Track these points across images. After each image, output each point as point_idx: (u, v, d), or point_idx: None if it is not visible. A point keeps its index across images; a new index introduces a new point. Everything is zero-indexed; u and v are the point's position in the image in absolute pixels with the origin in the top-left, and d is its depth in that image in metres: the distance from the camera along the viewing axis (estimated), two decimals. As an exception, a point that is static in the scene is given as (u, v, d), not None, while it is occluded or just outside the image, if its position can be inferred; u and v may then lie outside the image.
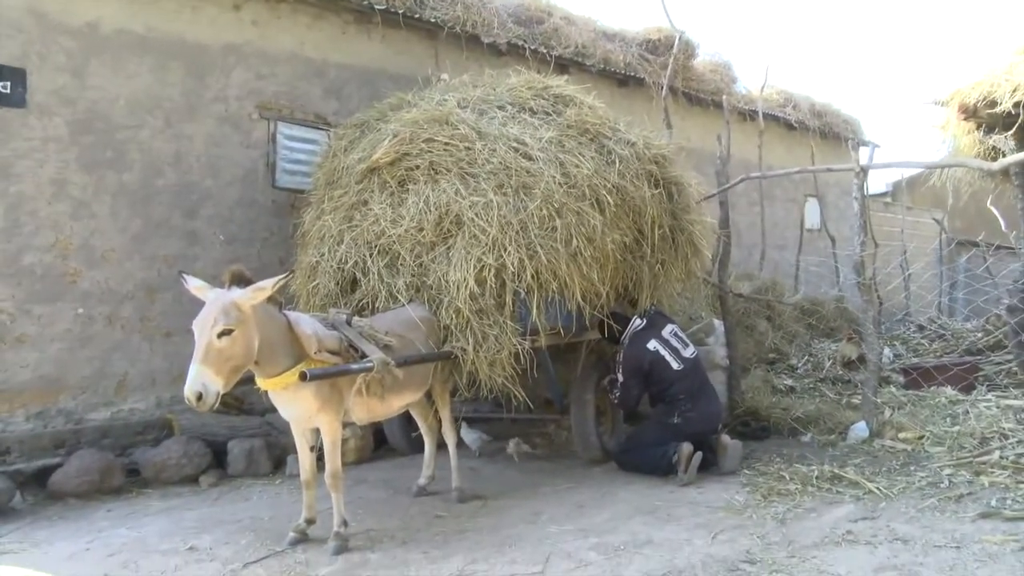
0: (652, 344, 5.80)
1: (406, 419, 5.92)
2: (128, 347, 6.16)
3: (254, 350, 3.87)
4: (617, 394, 5.96)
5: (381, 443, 6.67)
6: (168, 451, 5.78)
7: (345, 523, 4.35)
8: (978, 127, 7.69)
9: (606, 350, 6.40)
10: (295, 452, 4.65)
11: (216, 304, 3.74)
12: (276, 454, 6.10)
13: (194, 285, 3.93)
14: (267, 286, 3.83)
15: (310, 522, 4.48)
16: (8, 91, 5.63)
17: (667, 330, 5.96)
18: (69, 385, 5.88)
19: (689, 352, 5.94)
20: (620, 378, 5.87)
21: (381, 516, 4.89)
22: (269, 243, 6.95)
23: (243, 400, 6.51)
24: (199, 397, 3.62)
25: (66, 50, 5.88)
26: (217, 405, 3.74)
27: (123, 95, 6.16)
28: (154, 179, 6.32)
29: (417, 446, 5.76)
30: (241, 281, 3.86)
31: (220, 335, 3.68)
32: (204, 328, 3.70)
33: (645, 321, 5.95)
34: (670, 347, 5.84)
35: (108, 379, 6.06)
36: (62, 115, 5.87)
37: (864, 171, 6.70)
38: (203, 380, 3.63)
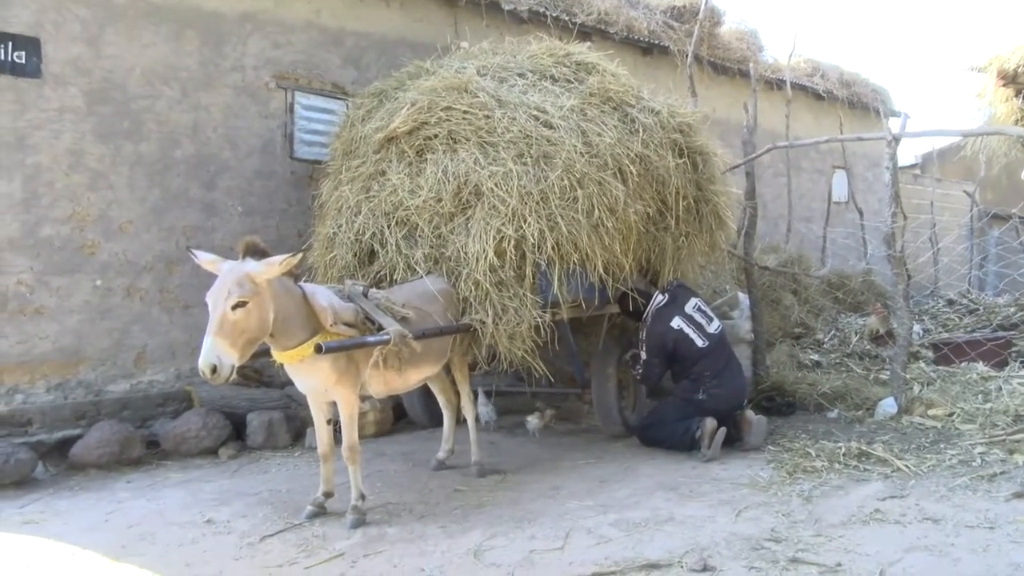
0: (676, 322, 5.67)
1: (426, 392, 5.86)
2: (147, 319, 6.15)
3: (269, 322, 3.81)
4: (640, 370, 5.85)
5: (401, 416, 6.64)
6: (187, 423, 5.77)
7: (363, 497, 4.32)
8: (1017, 94, 7.45)
9: (629, 324, 6.29)
10: (314, 425, 4.62)
11: (230, 276, 3.68)
12: (295, 426, 6.09)
13: (205, 259, 3.88)
14: (275, 263, 3.76)
15: (328, 495, 4.45)
16: (23, 61, 5.58)
17: (690, 305, 5.81)
18: (89, 357, 5.88)
19: (714, 327, 5.80)
20: (643, 355, 5.76)
21: (400, 490, 4.85)
22: (288, 215, 6.88)
23: (262, 372, 6.49)
24: (213, 370, 3.58)
25: (80, 19, 5.80)
26: (233, 377, 3.69)
27: (139, 65, 6.09)
28: (171, 150, 6.26)
29: (437, 420, 5.71)
30: (256, 252, 3.79)
31: (234, 307, 3.63)
32: (218, 300, 3.64)
33: (667, 296, 5.82)
34: (694, 323, 5.71)
35: (127, 351, 6.06)
36: (78, 85, 5.81)
37: (896, 140, 6.48)
38: (217, 352, 3.59)
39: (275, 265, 3.76)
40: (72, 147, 5.79)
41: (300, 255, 3.94)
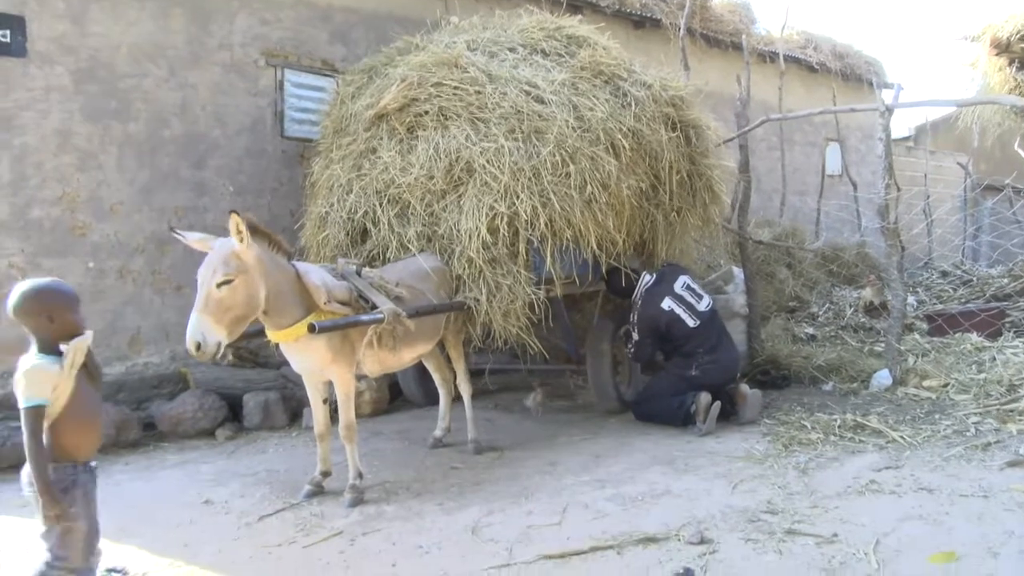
0: (667, 303, 5.63)
1: (421, 371, 5.86)
2: (140, 301, 6.11)
3: (259, 300, 3.78)
4: (632, 349, 5.86)
5: (397, 395, 6.64)
6: (184, 405, 5.76)
7: (360, 475, 4.32)
8: (1011, 63, 7.41)
9: (622, 301, 6.28)
10: (310, 405, 4.61)
11: (217, 253, 3.66)
12: (292, 407, 6.08)
13: (194, 239, 3.85)
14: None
15: (325, 474, 4.46)
16: (8, 39, 5.48)
17: (679, 284, 5.75)
18: (82, 339, 5.84)
19: (704, 305, 5.76)
20: (635, 336, 5.76)
21: (397, 468, 4.86)
22: (279, 194, 6.83)
23: (258, 353, 6.48)
24: (198, 347, 3.56)
25: (64, -4, 5.72)
26: (220, 355, 3.68)
27: (125, 43, 6.00)
28: (160, 129, 6.19)
29: (433, 398, 5.71)
30: (248, 229, 3.76)
31: (220, 284, 3.61)
32: (205, 277, 3.64)
33: (654, 276, 5.79)
34: (684, 303, 5.67)
35: (121, 333, 6.03)
36: (64, 64, 5.73)
37: (890, 111, 6.45)
38: (202, 330, 3.57)
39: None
40: (60, 127, 5.72)
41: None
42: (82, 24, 5.80)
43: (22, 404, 2.59)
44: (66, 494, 2.66)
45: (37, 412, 2.57)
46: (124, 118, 6.01)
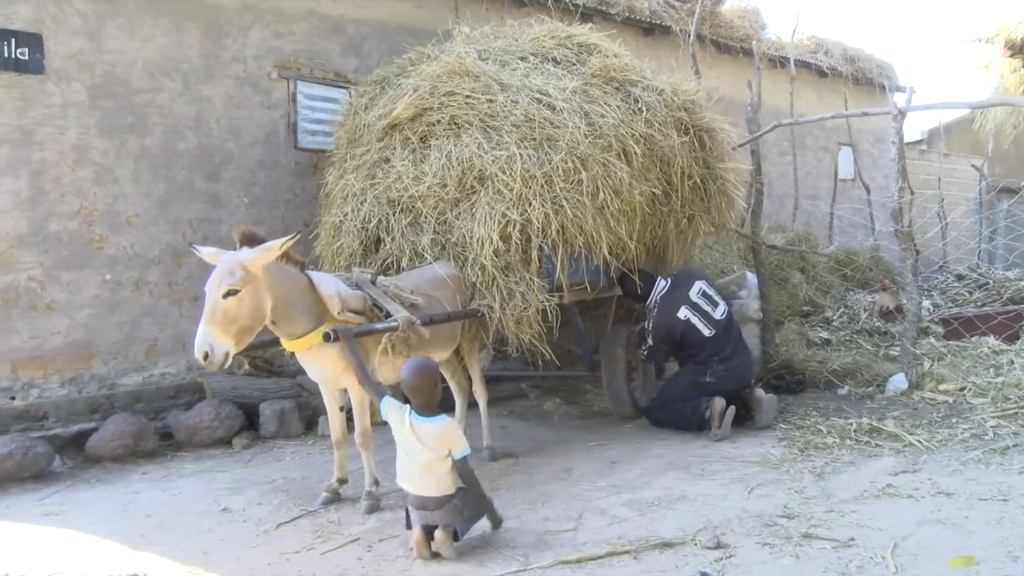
0: (683, 312, 5.60)
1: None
2: (156, 312, 6.17)
3: (264, 311, 3.82)
4: (645, 353, 5.86)
5: (411, 403, 6.64)
6: (200, 414, 5.81)
7: (376, 482, 4.34)
8: (1025, 64, 7.37)
9: (636, 305, 6.28)
10: (326, 413, 4.64)
11: (223, 265, 3.71)
12: (307, 415, 6.12)
13: (206, 252, 3.91)
14: (274, 247, 3.78)
15: (342, 482, 4.48)
16: (26, 57, 5.57)
17: (695, 290, 5.71)
18: (100, 351, 5.91)
19: (720, 312, 5.71)
20: (650, 341, 5.75)
21: (412, 475, 4.86)
22: (293, 204, 6.89)
23: (273, 362, 6.53)
24: (206, 356, 3.62)
25: (80, 13, 5.80)
26: (228, 364, 3.72)
27: (140, 58, 6.08)
28: (175, 143, 6.26)
29: (448, 404, 5.72)
30: (252, 241, 3.82)
31: (225, 295, 3.66)
32: (211, 289, 3.70)
33: (669, 282, 5.78)
34: (700, 311, 5.62)
35: (138, 344, 6.09)
36: (81, 80, 5.82)
37: (902, 114, 6.43)
38: (209, 340, 3.63)
39: (273, 249, 3.78)
40: (77, 142, 5.80)
41: (298, 235, 3.94)
42: (98, 40, 5.88)
43: (463, 453, 3.63)
44: None
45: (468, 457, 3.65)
46: (140, 132, 6.08)
